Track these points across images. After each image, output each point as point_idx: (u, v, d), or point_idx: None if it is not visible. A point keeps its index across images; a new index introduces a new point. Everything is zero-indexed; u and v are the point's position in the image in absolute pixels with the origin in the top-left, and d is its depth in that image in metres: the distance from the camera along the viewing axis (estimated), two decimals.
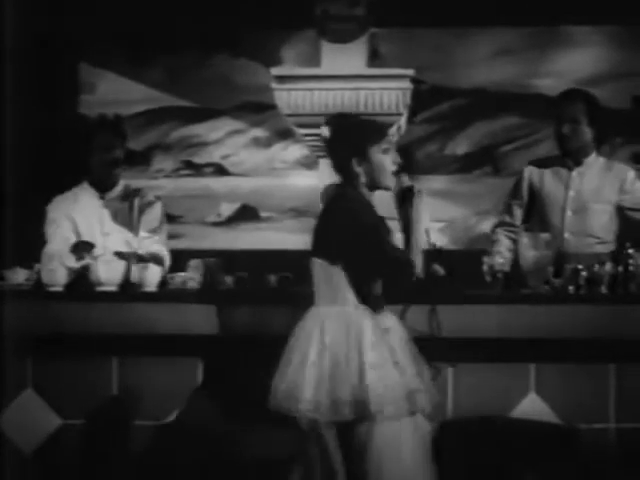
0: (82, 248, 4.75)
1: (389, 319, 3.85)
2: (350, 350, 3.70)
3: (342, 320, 3.74)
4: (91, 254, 4.60)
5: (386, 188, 3.90)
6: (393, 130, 6.30)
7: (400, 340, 3.82)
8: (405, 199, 3.89)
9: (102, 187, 5.08)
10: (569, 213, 5.06)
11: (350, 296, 3.78)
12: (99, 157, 5.01)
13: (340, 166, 3.88)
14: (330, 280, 3.79)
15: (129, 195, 5.13)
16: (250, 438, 3.76)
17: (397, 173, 3.89)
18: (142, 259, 4.63)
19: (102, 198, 5.08)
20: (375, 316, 3.78)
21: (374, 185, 3.88)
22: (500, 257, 4.75)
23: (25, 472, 4.41)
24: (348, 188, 3.85)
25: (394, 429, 3.70)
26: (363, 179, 3.85)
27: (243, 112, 7.58)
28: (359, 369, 3.68)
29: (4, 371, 4.35)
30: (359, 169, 3.84)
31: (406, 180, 3.91)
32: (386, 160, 3.87)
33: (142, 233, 5.04)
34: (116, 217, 5.06)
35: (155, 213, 5.13)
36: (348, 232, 3.74)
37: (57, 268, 4.49)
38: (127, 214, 5.10)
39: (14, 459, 4.40)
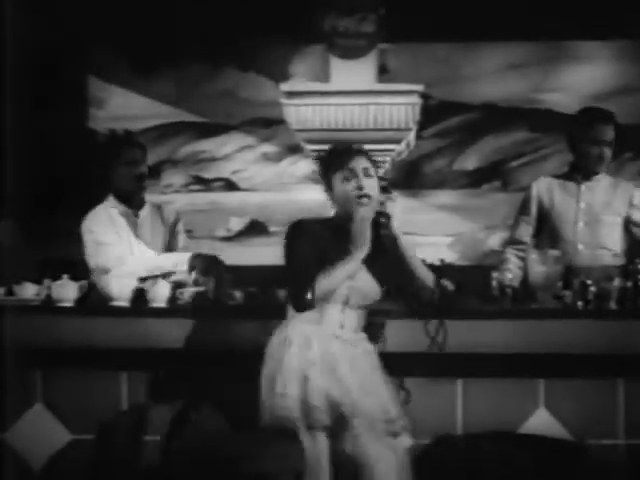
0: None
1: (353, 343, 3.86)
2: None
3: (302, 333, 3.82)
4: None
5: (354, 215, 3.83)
6: (402, 147, 6.31)
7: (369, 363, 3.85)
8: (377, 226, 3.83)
9: (132, 203, 5.05)
10: (581, 225, 5.07)
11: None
12: (127, 172, 4.97)
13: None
14: None
15: (157, 212, 5.14)
16: (259, 452, 3.76)
17: (363, 197, 3.80)
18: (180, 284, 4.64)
19: (136, 216, 5.07)
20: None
21: (344, 214, 3.87)
22: (509, 273, 4.76)
23: None
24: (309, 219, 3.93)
25: (376, 447, 3.73)
26: (334, 208, 3.91)
27: (252, 127, 7.59)
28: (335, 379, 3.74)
29: (14, 386, 4.36)
30: (331, 199, 3.91)
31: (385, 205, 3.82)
32: (346, 187, 3.84)
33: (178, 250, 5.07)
34: (151, 234, 5.06)
35: (182, 230, 5.19)
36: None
37: (67, 283, 4.50)
38: (161, 231, 5.10)
39: (22, 474, 4.40)
